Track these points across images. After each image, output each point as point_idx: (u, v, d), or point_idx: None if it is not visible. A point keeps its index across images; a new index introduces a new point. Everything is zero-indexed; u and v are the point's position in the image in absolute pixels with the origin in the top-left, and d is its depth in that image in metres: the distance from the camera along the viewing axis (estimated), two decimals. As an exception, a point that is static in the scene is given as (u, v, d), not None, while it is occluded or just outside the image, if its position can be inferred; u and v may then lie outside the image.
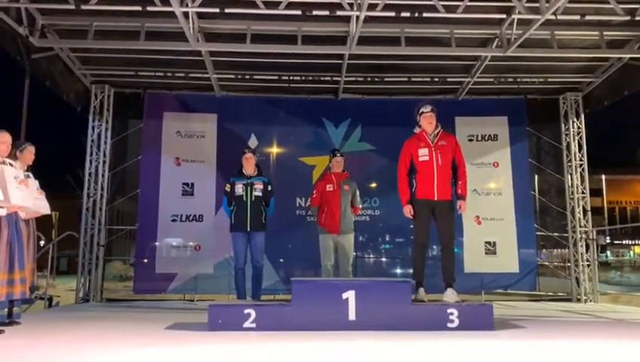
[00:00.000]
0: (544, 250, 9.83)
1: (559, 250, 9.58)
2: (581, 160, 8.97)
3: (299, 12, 6.33)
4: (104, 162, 8.63)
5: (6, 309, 4.79)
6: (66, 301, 8.55)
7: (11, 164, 4.70)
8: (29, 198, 4.84)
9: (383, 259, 9.21)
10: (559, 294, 8.91)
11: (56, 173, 24.02)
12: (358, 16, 6.38)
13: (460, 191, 5.49)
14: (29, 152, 5.33)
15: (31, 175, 5.26)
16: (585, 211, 8.88)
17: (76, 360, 3.47)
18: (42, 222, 5.90)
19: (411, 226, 5.75)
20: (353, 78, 8.46)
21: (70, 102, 8.53)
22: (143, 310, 7.08)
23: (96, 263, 8.36)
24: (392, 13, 6.41)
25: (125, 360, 3.53)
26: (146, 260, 8.54)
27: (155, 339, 4.29)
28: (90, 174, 8.56)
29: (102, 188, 8.57)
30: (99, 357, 3.56)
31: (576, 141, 9.00)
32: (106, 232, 8.61)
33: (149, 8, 6.24)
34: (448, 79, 8.61)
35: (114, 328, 5.14)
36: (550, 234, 9.04)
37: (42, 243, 8.03)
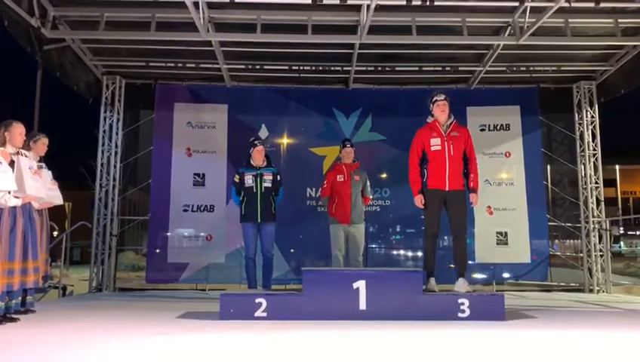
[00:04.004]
0: (556, 241, 9.75)
1: (572, 241, 9.50)
2: (594, 149, 8.87)
3: (309, 1, 6.28)
4: (116, 153, 8.68)
5: (19, 298, 4.85)
6: (79, 290, 8.64)
7: (26, 155, 4.75)
8: (42, 189, 4.89)
9: (394, 250, 9.20)
10: (571, 285, 8.86)
11: (69, 164, 24.21)
12: (368, 5, 6.34)
13: (471, 185, 5.46)
14: (43, 143, 5.38)
15: (44, 165, 5.31)
16: (598, 201, 8.79)
17: (89, 348, 3.51)
18: (55, 213, 5.97)
19: (422, 217, 5.73)
20: (364, 68, 8.41)
21: (82, 94, 8.56)
22: (155, 299, 7.15)
23: (109, 253, 8.44)
24: (403, 2, 6.33)
25: (137, 348, 3.57)
26: (158, 250, 8.61)
27: (167, 328, 4.33)
28: (102, 165, 8.62)
29: (114, 179, 8.62)
30: (112, 345, 3.60)
31: (590, 130, 8.89)
32: (119, 222, 8.69)
33: (159, -1, 6.26)
34: (460, 68, 8.53)
35: (126, 317, 5.20)
36: (562, 224, 8.98)
37: (56, 233, 8.13)
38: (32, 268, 4.68)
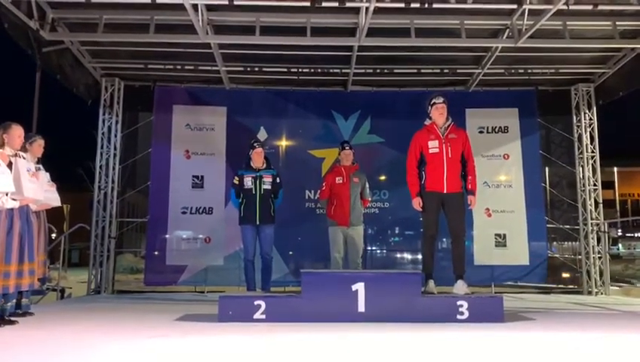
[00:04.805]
0: (555, 243, 9.76)
1: (570, 243, 9.51)
2: (593, 152, 8.89)
3: (308, 3, 6.29)
4: (115, 155, 8.67)
5: (14, 300, 4.84)
6: (77, 293, 8.62)
7: (24, 157, 4.75)
8: (40, 191, 4.89)
9: (393, 252, 9.20)
10: (570, 287, 8.87)
11: (68, 166, 24.20)
12: (367, 8, 6.35)
13: (469, 187, 5.47)
14: (39, 145, 5.37)
15: (42, 167, 5.30)
16: (596, 203, 8.80)
17: (88, 351, 3.50)
18: (54, 215, 5.96)
19: (421, 219, 5.73)
20: (362, 70, 8.42)
21: (80, 96, 8.56)
22: (153, 301, 7.14)
23: (107, 255, 8.42)
24: (402, 4, 6.36)
25: (136, 350, 3.56)
26: (156, 252, 8.59)
27: (166, 330, 4.33)
28: (101, 167, 8.61)
29: (112, 181, 8.61)
30: (110, 348, 3.59)
31: (588, 133, 8.91)
32: (117, 225, 8.67)
33: (158, 1, 6.26)
34: (458, 70, 8.54)
35: (125, 319, 5.19)
36: (561, 226, 8.98)
37: (54, 235, 8.11)
38: (28, 271, 4.66)
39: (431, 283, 5.30)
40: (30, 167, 4.79)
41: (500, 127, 8.94)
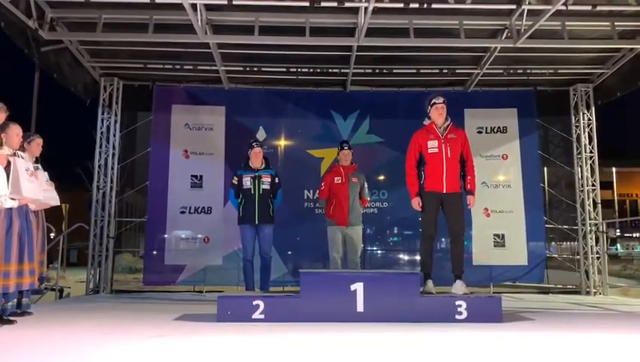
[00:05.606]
0: (553, 243, 9.77)
1: (568, 243, 9.53)
2: (591, 152, 8.90)
3: (307, 3, 6.30)
4: (113, 155, 8.66)
5: (15, 300, 4.83)
6: (76, 292, 8.60)
7: (22, 157, 4.74)
8: (39, 190, 4.88)
9: (392, 252, 9.20)
10: (568, 287, 8.88)
11: (66, 166, 24.16)
12: (366, 8, 6.34)
13: (469, 187, 5.48)
14: (37, 144, 5.37)
15: (40, 166, 5.30)
16: (595, 204, 8.82)
17: (86, 350, 3.50)
18: (52, 214, 5.95)
19: (419, 219, 5.74)
20: (361, 70, 8.42)
21: (79, 95, 8.54)
22: (152, 301, 7.13)
23: (106, 255, 8.42)
24: (401, 5, 6.37)
25: (134, 350, 3.56)
26: (155, 252, 8.59)
27: (164, 330, 4.32)
28: (99, 166, 8.60)
29: (111, 181, 8.61)
30: (109, 347, 3.59)
31: (587, 133, 8.92)
32: (116, 224, 8.67)
33: (157, 0, 6.25)
34: (457, 71, 8.55)
35: (123, 319, 5.18)
36: (559, 226, 8.99)
37: (53, 235, 8.10)
38: (28, 270, 4.66)
39: (429, 283, 5.30)
40: (29, 167, 4.78)
41: (499, 127, 8.95)
